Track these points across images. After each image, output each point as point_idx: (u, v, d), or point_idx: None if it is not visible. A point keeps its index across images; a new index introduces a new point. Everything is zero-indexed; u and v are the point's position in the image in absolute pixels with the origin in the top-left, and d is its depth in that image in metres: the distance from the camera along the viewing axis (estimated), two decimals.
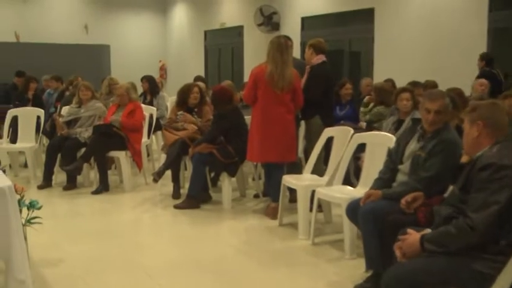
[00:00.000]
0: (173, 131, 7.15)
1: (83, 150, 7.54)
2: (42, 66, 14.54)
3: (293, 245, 5.30)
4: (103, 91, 9.07)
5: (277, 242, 5.44)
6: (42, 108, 8.77)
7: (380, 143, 4.99)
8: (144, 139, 8.22)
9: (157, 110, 8.82)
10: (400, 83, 7.96)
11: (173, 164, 6.94)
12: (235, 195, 7.23)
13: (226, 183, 6.70)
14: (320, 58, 6.41)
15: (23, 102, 9.17)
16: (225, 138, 6.64)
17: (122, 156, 7.57)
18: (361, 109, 7.43)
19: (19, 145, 8.42)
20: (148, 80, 9.70)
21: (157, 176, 6.80)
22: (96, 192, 7.40)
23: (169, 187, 7.31)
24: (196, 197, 6.66)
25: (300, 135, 6.65)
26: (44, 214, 4.46)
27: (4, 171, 4.17)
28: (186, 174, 7.38)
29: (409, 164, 4.10)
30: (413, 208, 3.62)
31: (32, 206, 4.27)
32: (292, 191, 6.21)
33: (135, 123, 7.52)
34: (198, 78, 9.82)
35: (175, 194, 7.07)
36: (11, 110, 8.51)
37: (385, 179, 4.24)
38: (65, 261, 4.83)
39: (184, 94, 7.26)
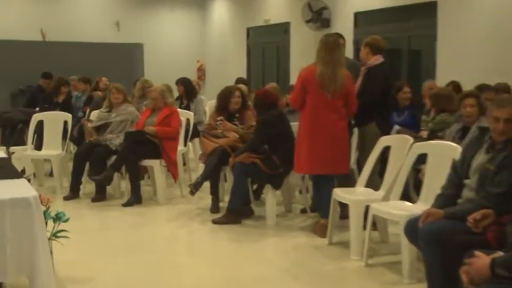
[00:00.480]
0: (212, 139, 7.22)
1: (114, 158, 7.63)
2: (69, 66, 14.77)
3: (344, 267, 5.28)
4: (136, 94, 9.17)
5: (327, 262, 5.43)
6: (70, 113, 8.89)
7: (443, 153, 4.94)
8: (180, 147, 8.26)
9: (194, 115, 8.89)
10: (467, 85, 7.89)
11: (212, 174, 7.01)
12: (280, 210, 7.25)
13: (270, 196, 6.72)
14: (377, 59, 6.40)
15: (52, 107, 9.33)
16: (269, 146, 6.67)
17: (155, 166, 7.67)
18: (423, 117, 7.32)
19: (44, 152, 8.49)
20: (183, 83, 9.80)
21: (195, 187, 6.88)
22: (127, 204, 7.48)
23: (208, 200, 7.37)
24: (237, 212, 6.70)
25: (353, 144, 6.65)
26: (70, 227, 4.51)
27: (29, 181, 4.26)
28: (226, 186, 7.43)
29: (477, 179, 4.04)
30: (482, 227, 3.57)
31: (58, 218, 4.34)
32: (344, 206, 6.19)
33: (171, 131, 7.62)
34: (239, 81, 9.91)
35: (214, 208, 7.14)
36: (36, 114, 8.67)
37: (448, 195, 4.19)
38: (93, 280, 4.88)
39: (224, 98, 7.35)
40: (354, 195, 5.71)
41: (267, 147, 6.66)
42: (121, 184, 7.98)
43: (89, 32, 17.36)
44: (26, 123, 8.65)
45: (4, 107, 13.67)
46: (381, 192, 5.57)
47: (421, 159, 5.28)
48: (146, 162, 7.70)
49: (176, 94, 9.76)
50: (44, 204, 4.08)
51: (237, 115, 7.37)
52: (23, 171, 7.28)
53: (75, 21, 17.40)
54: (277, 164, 6.56)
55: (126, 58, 17.67)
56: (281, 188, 6.89)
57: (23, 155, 8.36)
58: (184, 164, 9.06)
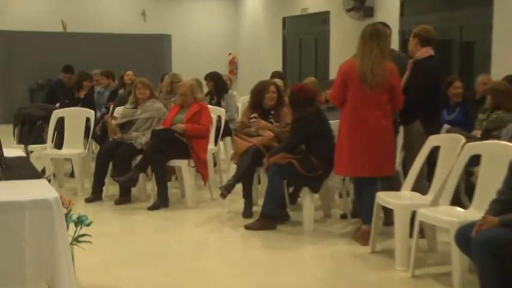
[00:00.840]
0: (245, 137, 7.23)
1: (139, 158, 7.64)
2: (91, 59, 14.85)
3: (388, 277, 5.25)
4: (163, 89, 9.21)
5: (369, 272, 5.40)
6: (92, 109, 8.89)
7: (499, 154, 4.89)
8: (211, 146, 8.23)
9: (226, 112, 8.89)
10: None
11: (245, 176, 7.01)
12: (319, 214, 7.22)
13: (308, 200, 6.69)
14: (426, 51, 6.33)
15: (73, 102, 9.33)
16: (307, 146, 6.66)
17: (184, 166, 7.64)
18: (480, 116, 7.24)
19: (65, 151, 8.51)
20: (213, 78, 9.76)
21: (226, 190, 6.88)
22: (153, 207, 7.49)
23: (240, 204, 7.36)
24: (272, 216, 6.69)
25: (398, 143, 6.58)
26: (93, 232, 4.54)
27: (49, 181, 4.29)
28: (260, 188, 7.39)
29: None
30: None
31: (80, 222, 4.36)
32: (388, 212, 6.19)
33: (201, 129, 7.63)
34: (275, 75, 9.85)
35: (247, 212, 7.13)
36: (57, 110, 8.69)
37: (505, 200, 4.15)
38: (116, 287, 4.93)
39: (258, 94, 7.34)
40: (400, 200, 5.66)
41: (304, 147, 6.64)
42: (146, 186, 7.99)
43: (113, 22, 17.54)
44: (46, 120, 8.67)
45: (22, 102, 13.77)
46: (429, 197, 5.51)
47: (474, 161, 5.22)
48: (174, 163, 7.67)
49: (206, 90, 9.79)
50: (65, 206, 4.12)
51: (272, 112, 7.35)
52: (43, 171, 7.46)
53: (97, 11, 17.57)
54: (315, 165, 6.52)
55: (152, 50, 17.76)
56: (319, 191, 6.87)
57: (42, 154, 8.39)
58: (215, 165, 9.00)
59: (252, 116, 7.25)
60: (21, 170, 4.56)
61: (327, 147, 6.48)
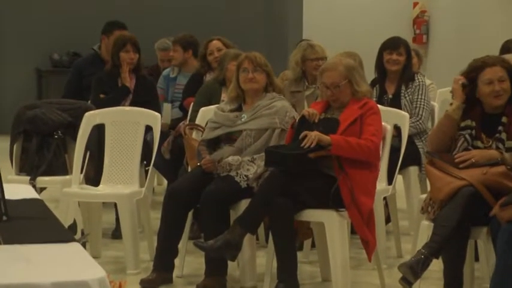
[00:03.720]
0: (449, 168, 5.34)
1: (244, 205, 5.61)
2: (150, 18, 11.92)
3: None
4: (291, 74, 7.01)
5: None
6: (156, 110, 6.65)
7: None
8: (382, 184, 6.14)
9: (410, 116, 6.83)
10: None
11: (450, 241, 5.26)
12: None
13: None
14: None
15: (119, 95, 7.01)
16: None
17: (329, 221, 5.60)
18: None
19: (105, 189, 6.46)
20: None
21: (413, 273, 5.06)
22: None
23: None
24: None
25: None
26: None
27: (84, 245, 3.57)
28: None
29: None
30: None
31: None
32: None
33: (362, 146, 5.59)
34: (508, 47, 7.31)
35: None
36: (91, 112, 6.44)
37: None
38: None
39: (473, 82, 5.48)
40: None
41: None
42: (257, 259, 5.91)
43: None
44: (69, 130, 6.52)
45: (25, 95, 11.07)
46: None
47: None
48: (311, 215, 5.57)
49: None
50: None
51: (503, 120, 5.36)
52: (73, 226, 5.36)
53: None
54: None
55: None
56: None
57: (63, 193, 6.20)
58: (388, 221, 6.67)
59: (462, 132, 5.49)
60: (35, 225, 3.70)
61: None
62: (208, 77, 7.33)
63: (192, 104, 6.97)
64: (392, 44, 7.09)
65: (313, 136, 5.31)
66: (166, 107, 7.58)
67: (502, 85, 5.11)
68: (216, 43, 7.57)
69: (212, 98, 6.69)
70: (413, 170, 6.82)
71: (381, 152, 5.95)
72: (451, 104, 5.30)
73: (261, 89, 5.87)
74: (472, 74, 5.33)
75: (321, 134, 5.42)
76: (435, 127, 5.71)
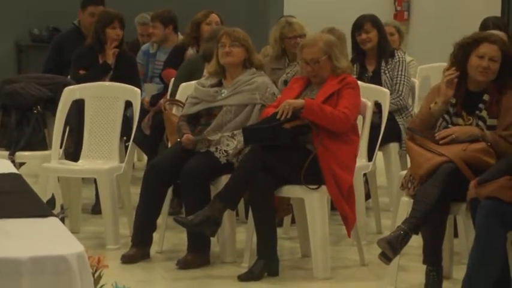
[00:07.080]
0: (429, 144, 5.53)
1: (224, 180, 5.66)
2: None
3: None
4: (271, 50, 6.99)
5: None
6: (135, 85, 6.56)
7: None
8: (362, 160, 6.14)
9: (390, 93, 6.81)
10: None
11: (431, 217, 5.41)
12: None
13: None
14: None
15: (100, 71, 6.94)
16: None
17: (311, 198, 5.61)
18: None
19: (85, 165, 6.43)
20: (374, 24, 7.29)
21: (392, 249, 5.21)
22: (249, 276, 5.49)
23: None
24: None
25: None
26: None
27: (62, 220, 3.49)
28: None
29: None
30: None
31: None
32: None
33: (337, 117, 5.61)
34: (491, 24, 7.19)
35: None
36: (70, 87, 6.34)
37: None
38: None
39: (462, 56, 5.55)
40: None
41: None
42: (237, 235, 5.96)
43: None
44: (49, 105, 6.45)
45: (5, 70, 11.05)
46: None
47: None
48: (291, 191, 5.63)
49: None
50: (92, 269, 3.47)
51: (484, 97, 5.45)
52: (51, 201, 4.99)
53: None
54: None
55: None
56: None
57: (42, 168, 6.23)
58: (368, 197, 6.64)
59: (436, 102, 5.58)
60: (13, 199, 3.62)
61: None
62: (190, 51, 7.33)
63: (172, 78, 6.95)
64: (357, 25, 7.12)
65: (286, 105, 5.32)
66: (148, 87, 7.55)
67: (491, 64, 5.13)
68: (216, 17, 7.64)
69: (195, 73, 6.61)
70: (393, 146, 6.84)
71: (360, 129, 5.98)
72: (436, 102, 5.30)
73: (238, 63, 5.84)
74: (469, 47, 5.29)
75: (295, 100, 5.45)
76: (416, 117, 5.73)
